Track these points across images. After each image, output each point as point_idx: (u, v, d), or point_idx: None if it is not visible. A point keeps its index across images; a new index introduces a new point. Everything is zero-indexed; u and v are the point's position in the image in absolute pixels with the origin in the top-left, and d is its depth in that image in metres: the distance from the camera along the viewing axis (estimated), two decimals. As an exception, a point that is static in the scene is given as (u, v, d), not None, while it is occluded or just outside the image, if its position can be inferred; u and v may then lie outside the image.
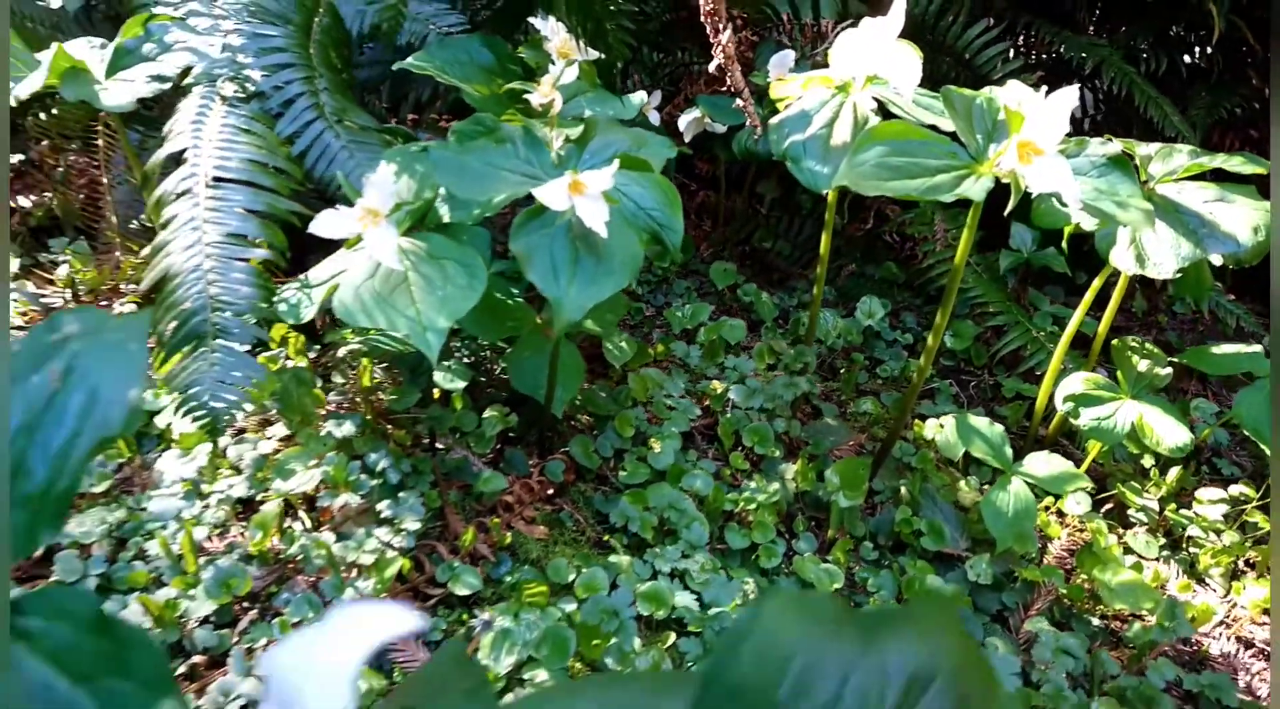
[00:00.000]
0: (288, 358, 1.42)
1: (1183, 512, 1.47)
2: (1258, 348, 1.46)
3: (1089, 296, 1.39)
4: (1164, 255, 1.21)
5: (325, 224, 1.06)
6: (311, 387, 1.32)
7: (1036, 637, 1.22)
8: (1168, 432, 1.34)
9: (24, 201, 2.00)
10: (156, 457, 1.32)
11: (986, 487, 1.42)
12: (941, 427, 1.52)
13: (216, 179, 1.22)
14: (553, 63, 1.43)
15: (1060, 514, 1.45)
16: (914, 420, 1.57)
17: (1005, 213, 1.04)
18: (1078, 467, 1.42)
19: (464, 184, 1.11)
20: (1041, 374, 1.54)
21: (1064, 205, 1.02)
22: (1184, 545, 1.45)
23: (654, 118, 1.72)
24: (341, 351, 1.38)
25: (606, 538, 1.31)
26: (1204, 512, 1.47)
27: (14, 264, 1.78)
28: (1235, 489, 1.49)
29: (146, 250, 1.25)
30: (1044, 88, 1.02)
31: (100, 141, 1.86)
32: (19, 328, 1.70)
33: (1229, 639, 1.32)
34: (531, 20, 1.47)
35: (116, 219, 1.85)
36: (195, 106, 1.31)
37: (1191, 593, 1.37)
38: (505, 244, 1.68)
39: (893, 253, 2.03)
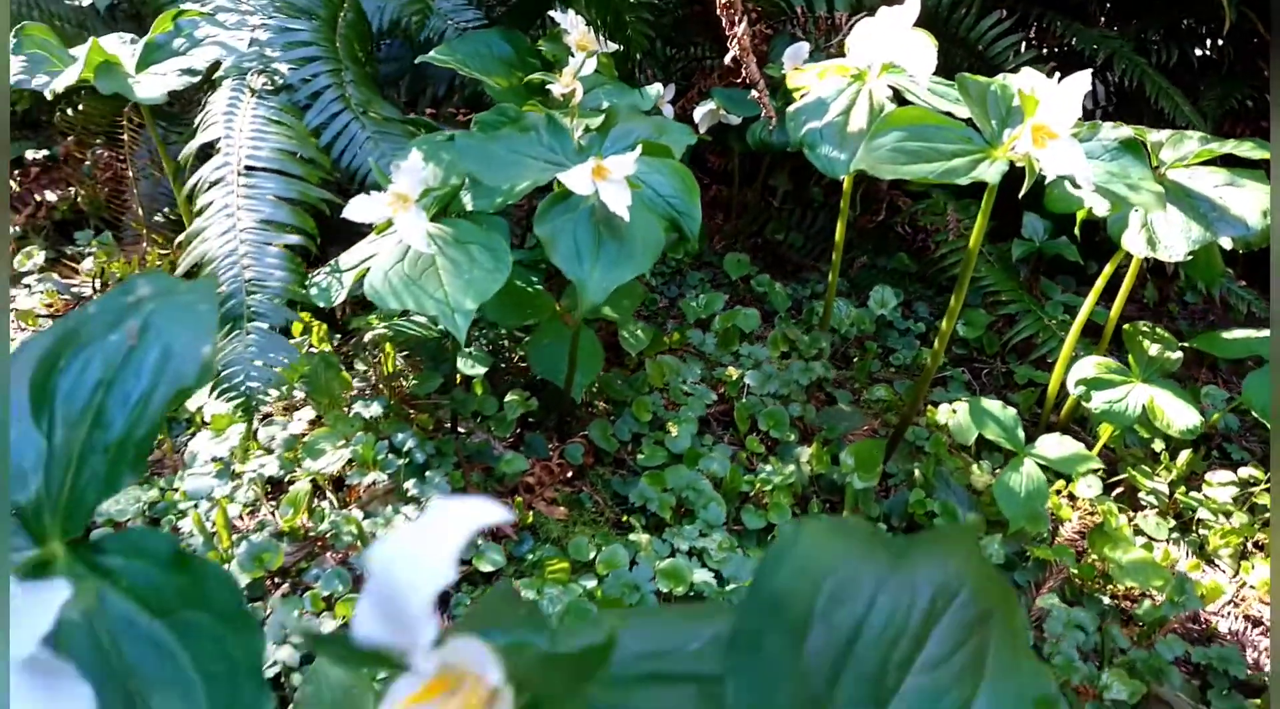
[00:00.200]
0: (311, 346, 1.46)
1: (1192, 494, 1.49)
2: (1267, 332, 1.48)
3: (1099, 284, 1.41)
4: (1175, 238, 1.23)
5: (358, 208, 1.10)
6: (339, 370, 1.35)
7: (1048, 612, 1.25)
8: (1178, 414, 1.36)
9: (49, 196, 2.04)
10: (186, 440, 1.36)
11: (999, 471, 1.44)
12: (954, 412, 1.54)
13: (249, 168, 1.26)
14: (571, 55, 1.46)
15: (1072, 497, 1.47)
16: (927, 407, 1.60)
17: (1019, 196, 1.07)
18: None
19: (490, 171, 1.14)
20: (1053, 362, 1.56)
21: (1077, 188, 1.04)
22: (1194, 527, 1.47)
23: (668, 111, 1.75)
24: (367, 336, 1.41)
25: (625, 518, 1.34)
26: (1213, 494, 1.49)
27: (39, 257, 1.82)
28: (1244, 472, 1.51)
29: (182, 236, 1.29)
30: (1057, 75, 1.05)
31: (125, 136, 1.90)
32: (46, 316, 1.75)
33: (1237, 617, 1.34)
34: (551, 14, 1.51)
35: (142, 211, 1.89)
36: (226, 98, 1.35)
37: (1201, 572, 1.39)
38: (522, 235, 1.72)
39: (905, 244, 2.05)
